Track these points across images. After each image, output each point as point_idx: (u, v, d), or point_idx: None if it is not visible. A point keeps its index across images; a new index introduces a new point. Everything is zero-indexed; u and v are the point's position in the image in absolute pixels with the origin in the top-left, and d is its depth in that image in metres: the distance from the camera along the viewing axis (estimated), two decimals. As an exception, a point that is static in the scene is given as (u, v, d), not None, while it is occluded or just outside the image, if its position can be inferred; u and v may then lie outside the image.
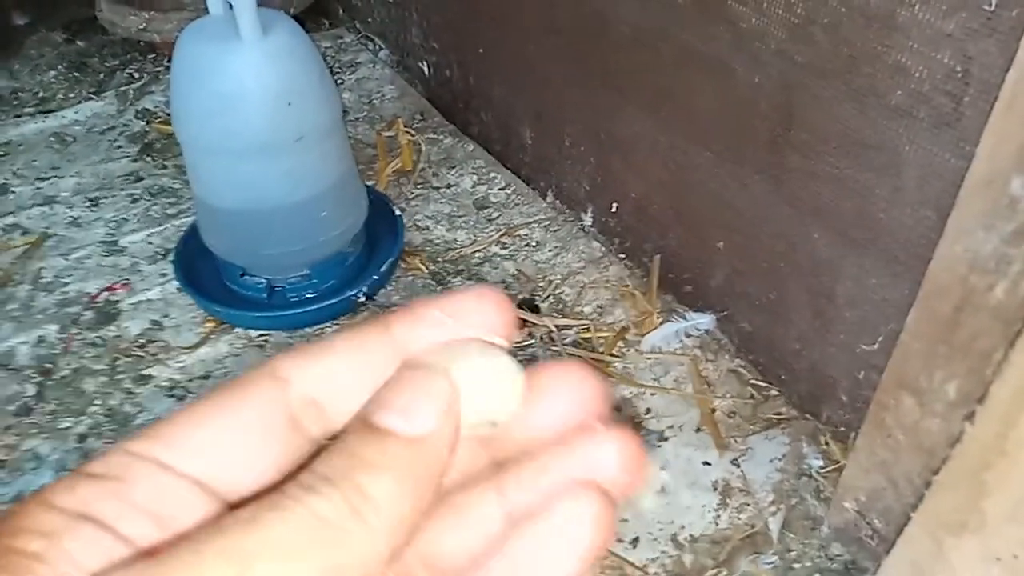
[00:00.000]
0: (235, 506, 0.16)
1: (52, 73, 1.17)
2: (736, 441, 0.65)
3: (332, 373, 0.17)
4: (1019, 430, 0.30)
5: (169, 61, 1.18)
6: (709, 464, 0.63)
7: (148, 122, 1.06)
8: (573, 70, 0.78)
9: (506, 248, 0.84)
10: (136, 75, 1.16)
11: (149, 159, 1.00)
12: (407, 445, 0.15)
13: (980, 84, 0.44)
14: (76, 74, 1.17)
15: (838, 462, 0.61)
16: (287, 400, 0.16)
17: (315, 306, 0.74)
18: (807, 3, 0.52)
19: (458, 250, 0.84)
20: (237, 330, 0.75)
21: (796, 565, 0.57)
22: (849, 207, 0.55)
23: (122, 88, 1.13)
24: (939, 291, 0.41)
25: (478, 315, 0.17)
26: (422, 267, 0.81)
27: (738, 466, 0.63)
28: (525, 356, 0.73)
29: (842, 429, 0.62)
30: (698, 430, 0.66)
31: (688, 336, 0.72)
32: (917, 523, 0.38)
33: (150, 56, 1.19)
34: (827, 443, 0.63)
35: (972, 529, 0.33)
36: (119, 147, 1.02)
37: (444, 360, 0.16)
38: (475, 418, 0.16)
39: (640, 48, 0.69)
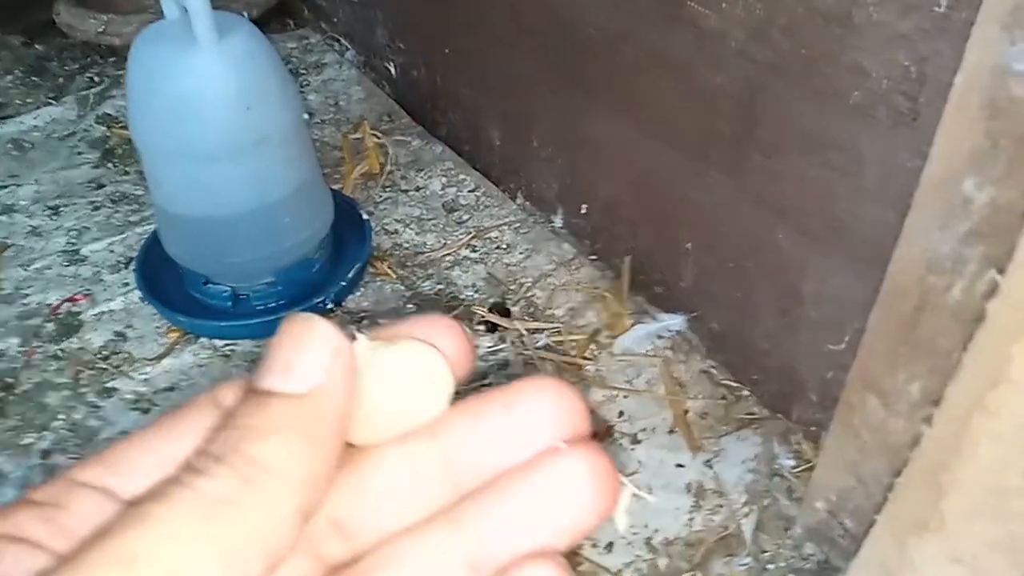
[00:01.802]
0: None
1: (9, 78, 1.15)
2: (709, 442, 0.65)
3: None
4: (973, 431, 0.30)
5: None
6: (683, 466, 0.63)
7: (109, 127, 1.04)
8: (539, 71, 0.78)
9: (476, 251, 0.84)
10: (96, 79, 1.14)
11: (110, 165, 0.98)
12: (293, 403, 0.15)
13: (935, 84, 0.44)
14: (35, 78, 1.15)
15: (809, 461, 0.61)
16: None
17: (281, 314, 0.73)
18: (765, 4, 0.52)
19: (428, 254, 0.83)
20: (202, 340, 0.74)
21: (770, 566, 0.57)
22: (812, 206, 0.56)
23: (82, 92, 1.11)
24: (899, 291, 0.41)
25: (440, 343, 0.16)
26: (391, 272, 0.81)
27: (711, 467, 0.63)
28: (496, 360, 0.72)
29: (813, 428, 0.62)
30: (671, 432, 0.66)
31: (660, 337, 0.72)
32: (882, 524, 0.38)
33: (110, 60, 1.17)
34: (798, 443, 0.63)
35: (932, 529, 0.33)
36: (79, 153, 1.00)
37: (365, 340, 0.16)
38: (396, 407, 0.16)
39: (606, 50, 0.68)
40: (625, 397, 0.69)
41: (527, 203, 0.89)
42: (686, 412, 0.67)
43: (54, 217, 0.90)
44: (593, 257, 0.81)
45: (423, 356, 0.16)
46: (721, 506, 0.61)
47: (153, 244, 0.79)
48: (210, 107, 0.62)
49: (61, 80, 1.14)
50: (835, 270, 0.55)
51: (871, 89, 0.48)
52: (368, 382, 0.16)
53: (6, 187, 0.95)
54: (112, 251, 0.85)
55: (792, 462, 0.63)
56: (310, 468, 0.14)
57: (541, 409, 0.16)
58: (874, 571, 0.39)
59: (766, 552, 0.58)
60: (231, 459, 0.14)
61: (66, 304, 0.78)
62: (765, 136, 0.57)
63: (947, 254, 0.37)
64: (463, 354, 0.17)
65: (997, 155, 0.33)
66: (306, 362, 0.15)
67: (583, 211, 0.81)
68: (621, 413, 0.68)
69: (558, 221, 0.85)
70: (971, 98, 0.33)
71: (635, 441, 0.65)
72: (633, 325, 0.73)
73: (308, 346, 0.15)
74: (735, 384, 0.69)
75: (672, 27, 0.60)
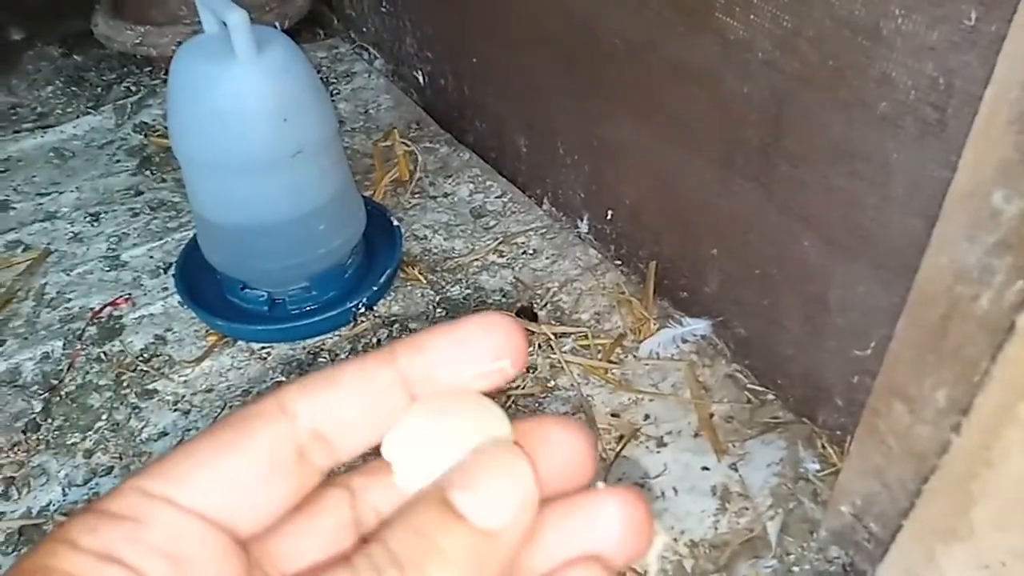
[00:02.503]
0: (254, 539, 0.16)
1: (50, 88, 1.18)
2: (734, 446, 0.65)
3: (338, 405, 0.17)
4: (1003, 441, 0.31)
5: (165, 75, 1.19)
6: (708, 469, 0.64)
7: (146, 135, 1.07)
8: (564, 80, 0.79)
9: (503, 256, 0.85)
10: (133, 89, 1.17)
11: (148, 173, 1.01)
12: (480, 538, 0.15)
13: (962, 95, 0.44)
14: (74, 88, 1.18)
15: (834, 465, 0.62)
16: (295, 433, 0.16)
17: (316, 318, 0.75)
18: (793, 16, 0.53)
19: (456, 259, 0.85)
20: (240, 343, 0.76)
21: (795, 568, 0.58)
22: (838, 215, 0.56)
23: (119, 102, 1.14)
24: (926, 300, 0.42)
25: (485, 343, 0.17)
26: (421, 277, 0.82)
27: (736, 471, 0.64)
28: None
29: (838, 433, 0.63)
30: (696, 435, 0.67)
31: (685, 341, 0.73)
32: (909, 530, 0.39)
33: (147, 69, 1.20)
34: (823, 447, 0.64)
35: (961, 537, 0.34)
36: (118, 161, 1.03)
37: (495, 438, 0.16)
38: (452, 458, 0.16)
39: (630, 59, 0.70)
40: (651, 400, 0.70)
41: (553, 209, 0.90)
42: (711, 416, 0.68)
43: (95, 223, 0.93)
44: (618, 262, 0.83)
45: (481, 412, 0.17)
46: (746, 509, 0.62)
47: (192, 250, 0.81)
48: (249, 120, 0.64)
49: (99, 90, 1.18)
50: (861, 278, 0.56)
51: (898, 100, 0.49)
52: (423, 439, 0.16)
53: (48, 194, 0.98)
54: (151, 256, 0.87)
55: (817, 466, 0.63)
56: None
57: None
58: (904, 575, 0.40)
59: (791, 555, 0.59)
60: (411, 573, 0.14)
61: (108, 308, 0.81)
62: (792, 145, 0.58)
63: (975, 264, 0.37)
64: (518, 352, 0.17)
65: (1024, 169, 0.34)
66: (505, 500, 0.15)
67: (608, 217, 0.82)
68: (647, 416, 0.69)
69: (584, 227, 0.86)
70: (1000, 111, 0.34)
71: (661, 444, 0.66)
72: (658, 329, 0.74)
73: (509, 484, 0.15)
74: (760, 388, 0.69)
75: (698, 37, 0.61)
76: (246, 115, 0.64)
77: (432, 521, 0.15)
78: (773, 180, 0.61)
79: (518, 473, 0.16)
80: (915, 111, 0.48)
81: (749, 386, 0.70)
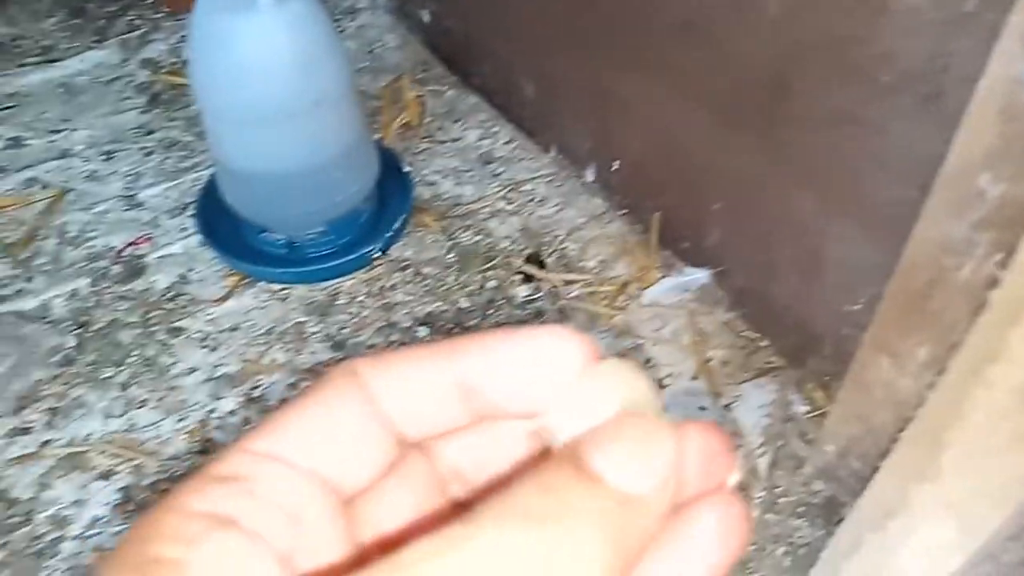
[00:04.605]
0: (349, 501, 0.16)
1: (52, 20, 1.17)
2: (729, 388, 0.70)
3: (407, 382, 0.17)
4: (971, 399, 0.35)
5: (167, 8, 1.18)
6: (704, 409, 0.69)
7: (154, 72, 1.08)
8: (574, 28, 0.80)
9: (512, 203, 0.88)
10: (136, 23, 1.16)
11: (158, 111, 1.02)
12: (619, 501, 0.14)
13: (959, 75, 0.47)
14: (76, 21, 1.17)
15: (821, 408, 0.67)
16: (372, 400, 0.16)
17: (334, 262, 0.78)
18: (806, -13, 0.55)
19: (466, 205, 0.88)
20: (259, 284, 0.80)
21: (782, 500, 0.64)
22: (837, 178, 0.60)
23: (123, 36, 1.14)
24: (915, 266, 0.46)
25: (547, 356, 0.17)
26: (432, 223, 0.85)
27: (730, 411, 0.69)
28: (533, 309, 0.78)
29: (825, 378, 0.68)
30: (694, 378, 0.72)
31: (686, 290, 0.77)
32: (886, 470, 0.44)
33: (148, 2, 1.19)
34: (812, 391, 0.69)
35: (930, 479, 0.39)
36: (127, 98, 1.04)
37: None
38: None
39: (640, 12, 0.71)
40: (653, 345, 0.74)
41: (560, 157, 0.92)
42: (708, 360, 0.73)
43: (108, 162, 0.95)
44: (623, 212, 0.86)
45: (633, 384, 0.17)
46: (739, 446, 0.67)
47: (208, 192, 0.84)
48: (271, 71, 0.65)
49: (102, 22, 1.17)
50: (855, 238, 0.60)
51: (900, 71, 0.52)
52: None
53: (61, 131, 0.99)
54: (167, 197, 0.90)
55: (805, 408, 0.69)
56: (613, 566, 0.13)
57: (699, 455, 0.16)
58: (877, 511, 0.45)
59: (779, 487, 0.65)
60: (548, 526, 0.13)
61: (130, 247, 0.84)
62: (795, 106, 0.61)
63: (960, 238, 0.41)
64: (585, 364, 0.17)
65: (1011, 156, 0.37)
66: (647, 466, 0.14)
67: (614, 168, 0.85)
68: (648, 360, 0.73)
69: (590, 176, 0.89)
70: (990, 103, 0.37)
71: (661, 386, 0.71)
72: (661, 278, 0.78)
73: (652, 450, 0.15)
74: (755, 336, 0.74)
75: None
76: (269, 66, 0.65)
77: (565, 479, 0.14)
78: (776, 139, 0.64)
79: (660, 439, 0.15)
80: (914, 86, 0.51)
81: (744, 333, 0.74)
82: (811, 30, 0.57)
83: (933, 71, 0.49)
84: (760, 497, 0.64)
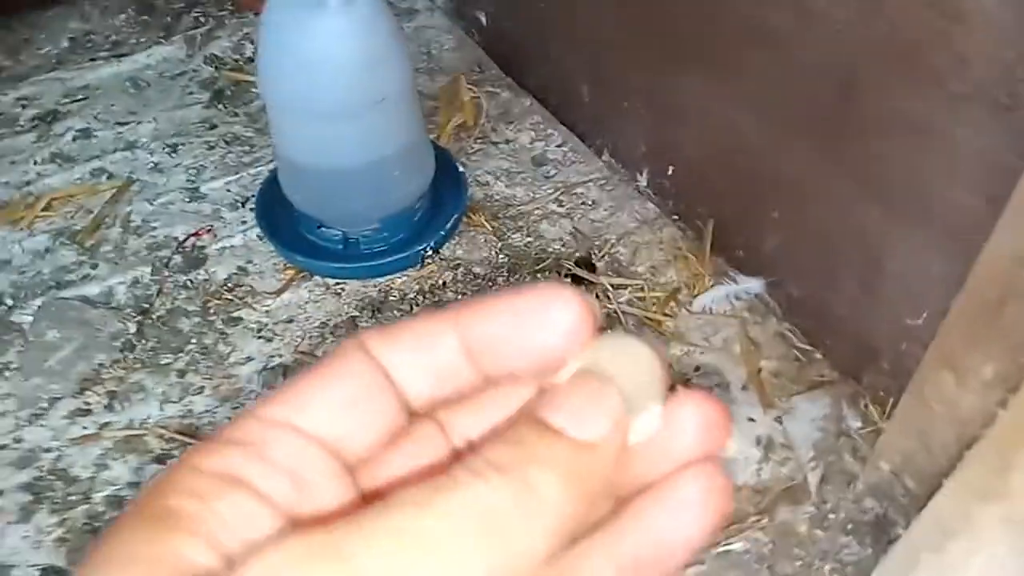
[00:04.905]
0: (354, 466, 0.17)
1: (122, 16, 1.21)
2: (780, 400, 0.69)
3: (415, 350, 0.18)
4: (1047, 419, 0.34)
5: (232, 5, 1.21)
6: (754, 420, 0.68)
7: (217, 68, 1.10)
8: (631, 31, 0.80)
9: (563, 206, 0.88)
10: (202, 20, 1.19)
11: (221, 107, 1.04)
12: (577, 448, 0.15)
13: (1041, 87, 0.46)
14: (145, 17, 1.21)
15: (876, 424, 0.66)
16: (380, 369, 0.17)
17: (388, 259, 0.79)
18: (878, -6, 0.54)
19: (518, 207, 0.88)
20: (315, 278, 0.81)
21: (831, 516, 0.62)
22: (903, 187, 0.58)
23: (189, 32, 1.17)
24: (986, 279, 0.45)
25: (548, 317, 0.17)
26: (484, 223, 0.86)
27: (781, 423, 0.68)
28: (582, 312, 0.78)
29: (881, 394, 0.67)
30: (744, 388, 0.71)
31: (738, 299, 0.76)
32: (948, 488, 0.43)
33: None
34: (866, 406, 0.68)
35: (996, 499, 0.38)
36: (191, 93, 1.07)
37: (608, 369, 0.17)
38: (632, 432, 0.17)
39: (702, 16, 0.71)
40: (702, 353, 0.74)
41: (613, 161, 0.92)
42: (759, 371, 0.72)
43: (173, 155, 0.97)
44: (676, 217, 0.85)
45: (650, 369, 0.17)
46: (789, 459, 0.66)
47: (268, 187, 0.85)
48: (339, 69, 0.67)
49: (168, 19, 1.20)
50: (919, 249, 0.59)
51: (971, 79, 0.51)
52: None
53: (127, 124, 1.02)
54: (229, 190, 0.92)
55: (859, 423, 0.67)
56: (576, 513, 0.15)
57: (696, 421, 0.17)
58: (936, 531, 0.44)
59: (828, 503, 0.64)
60: (512, 475, 0.14)
61: (191, 238, 0.86)
62: (861, 114, 0.60)
63: (1035, 253, 0.40)
64: (585, 324, 0.17)
65: (1093, 169, 0.36)
66: (597, 417, 0.16)
67: (669, 172, 0.84)
68: (697, 368, 0.73)
69: (643, 180, 0.88)
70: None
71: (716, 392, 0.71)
72: (712, 286, 0.77)
73: (600, 402, 0.16)
74: (809, 347, 0.73)
75: (776, 1, 0.62)
76: (336, 64, 0.67)
77: (529, 434, 0.15)
78: (840, 147, 0.63)
79: (606, 394, 0.16)
80: (987, 92, 0.50)
81: (798, 344, 0.73)
82: (879, 35, 0.56)
83: (1009, 80, 0.48)
84: (809, 513, 0.63)
